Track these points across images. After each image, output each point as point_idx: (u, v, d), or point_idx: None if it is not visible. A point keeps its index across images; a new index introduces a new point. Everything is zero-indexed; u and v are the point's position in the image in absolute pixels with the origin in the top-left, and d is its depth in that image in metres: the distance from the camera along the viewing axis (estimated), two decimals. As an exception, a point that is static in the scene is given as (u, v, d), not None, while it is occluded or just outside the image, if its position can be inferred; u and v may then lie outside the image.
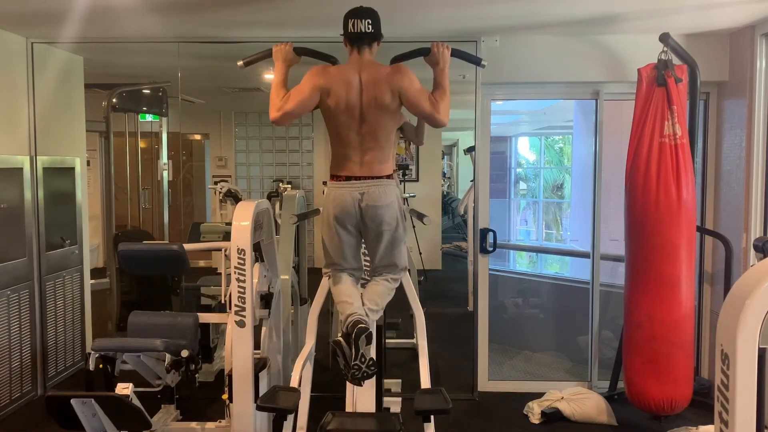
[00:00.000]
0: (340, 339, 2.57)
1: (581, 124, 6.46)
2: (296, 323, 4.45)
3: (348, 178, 2.72)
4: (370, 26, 2.70)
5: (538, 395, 4.18)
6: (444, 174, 10.79)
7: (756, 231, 3.93)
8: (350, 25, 2.71)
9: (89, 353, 3.19)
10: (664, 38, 3.67)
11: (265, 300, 3.39)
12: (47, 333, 4.42)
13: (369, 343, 2.55)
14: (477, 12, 3.70)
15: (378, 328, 3.07)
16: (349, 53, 2.77)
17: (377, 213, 2.70)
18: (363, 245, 2.94)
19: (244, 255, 2.98)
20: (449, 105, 2.74)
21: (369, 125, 2.69)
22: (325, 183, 3.38)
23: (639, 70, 3.76)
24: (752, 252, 3.47)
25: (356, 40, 2.72)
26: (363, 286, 2.96)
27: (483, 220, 4.42)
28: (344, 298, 2.73)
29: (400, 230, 2.81)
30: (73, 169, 4.73)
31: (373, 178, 2.71)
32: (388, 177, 2.76)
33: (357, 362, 2.52)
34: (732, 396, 1.64)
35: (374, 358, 2.61)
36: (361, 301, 2.74)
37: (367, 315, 2.68)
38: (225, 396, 3.18)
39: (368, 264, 2.97)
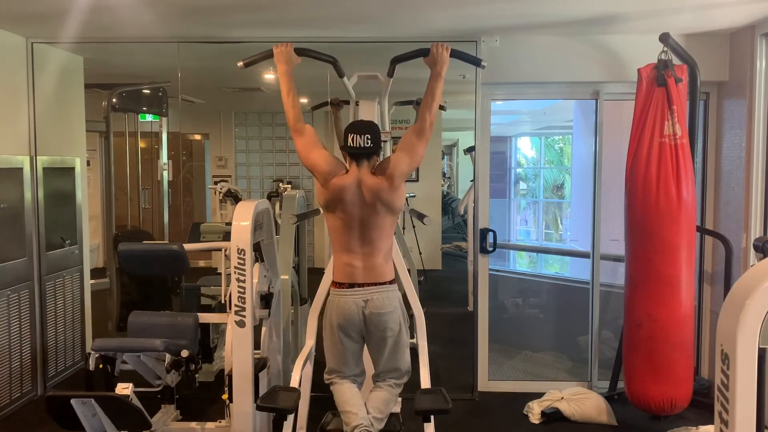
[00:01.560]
0: None
1: (581, 124, 6.46)
2: (296, 323, 4.45)
3: (351, 285, 2.74)
4: (369, 141, 2.71)
5: (538, 395, 4.18)
6: (444, 174, 10.79)
7: (756, 231, 3.93)
8: (350, 140, 2.72)
9: (89, 353, 3.19)
10: (664, 38, 3.67)
11: (265, 300, 3.39)
12: (47, 333, 4.42)
13: None
14: (477, 12, 3.70)
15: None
16: (348, 165, 2.77)
17: (382, 320, 2.72)
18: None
19: (244, 255, 2.98)
20: (436, 109, 2.76)
21: (370, 231, 2.72)
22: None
23: (639, 70, 3.76)
24: (752, 252, 3.47)
25: (355, 156, 2.74)
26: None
27: (483, 220, 4.42)
28: (349, 408, 2.72)
29: (403, 334, 2.82)
30: (73, 169, 4.73)
31: (376, 284, 2.74)
32: (391, 282, 2.79)
33: None
34: (732, 396, 1.64)
35: None
36: (365, 409, 2.74)
37: (372, 424, 2.69)
38: (225, 396, 3.18)
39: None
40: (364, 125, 2.77)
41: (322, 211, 2.85)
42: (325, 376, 2.89)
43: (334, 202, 2.72)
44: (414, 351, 3.20)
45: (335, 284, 2.79)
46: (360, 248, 2.74)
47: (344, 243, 2.75)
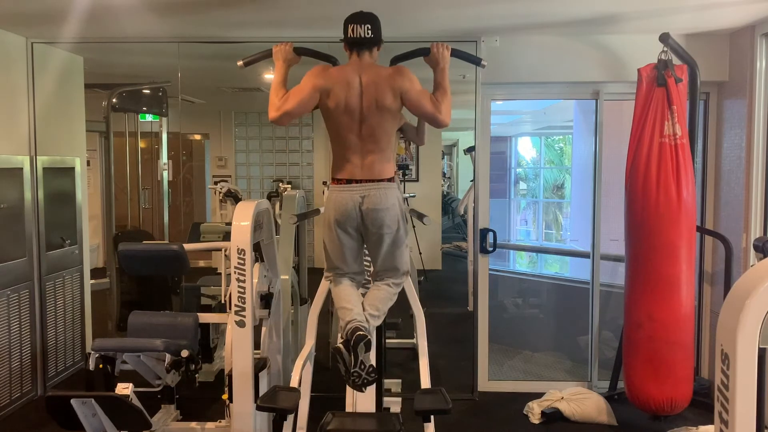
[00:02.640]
0: (340, 346, 2.57)
1: (581, 124, 6.47)
2: (296, 323, 4.45)
3: (349, 181, 2.72)
4: (369, 31, 2.69)
5: (538, 395, 4.18)
6: (444, 174, 10.80)
7: (756, 231, 3.93)
8: (350, 30, 2.70)
9: (89, 353, 3.19)
10: (664, 38, 3.67)
11: (265, 300, 3.39)
12: (47, 333, 4.42)
13: (368, 350, 2.55)
14: (477, 12, 3.70)
15: (378, 328, 3.07)
16: (348, 57, 2.76)
17: (378, 216, 2.70)
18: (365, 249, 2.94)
19: (244, 255, 2.98)
20: (451, 105, 2.74)
21: (369, 127, 2.68)
22: (325, 183, 3.39)
23: (639, 70, 3.76)
24: (752, 252, 3.46)
25: (356, 45, 2.71)
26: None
27: (483, 220, 4.42)
28: (344, 304, 2.72)
29: (402, 233, 2.80)
30: (73, 169, 4.73)
31: (374, 181, 2.71)
32: (389, 180, 2.75)
33: (357, 369, 2.52)
34: (732, 396, 1.64)
35: (374, 364, 2.60)
36: (361, 306, 2.73)
37: (367, 321, 2.67)
38: (225, 396, 3.18)
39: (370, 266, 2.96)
40: (363, 15, 2.73)
41: (323, 117, 2.77)
42: (325, 274, 2.89)
43: (338, 95, 2.63)
44: (414, 351, 3.20)
45: (334, 180, 2.76)
46: (359, 145, 2.70)
47: (344, 139, 2.71)
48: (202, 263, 5.93)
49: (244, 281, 2.99)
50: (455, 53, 2.86)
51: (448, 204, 10.16)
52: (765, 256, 3.02)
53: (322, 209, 2.85)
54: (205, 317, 3.61)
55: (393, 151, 2.83)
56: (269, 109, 2.73)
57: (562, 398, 4.06)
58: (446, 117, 2.72)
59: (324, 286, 3.22)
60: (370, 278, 2.98)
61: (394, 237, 2.76)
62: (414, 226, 6.77)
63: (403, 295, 3.13)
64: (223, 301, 3.54)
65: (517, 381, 4.67)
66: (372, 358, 2.75)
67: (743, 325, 1.62)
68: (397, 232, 2.76)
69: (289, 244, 4.31)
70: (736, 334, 1.62)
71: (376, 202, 2.69)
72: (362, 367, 2.52)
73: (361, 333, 2.54)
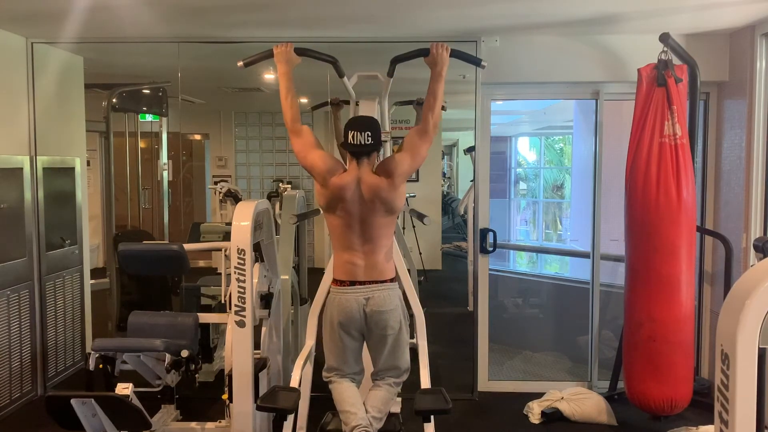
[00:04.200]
0: None
1: (581, 124, 6.46)
2: (296, 323, 4.45)
3: (352, 283, 2.73)
4: (369, 138, 2.69)
5: (538, 395, 4.18)
6: (444, 174, 10.79)
7: (756, 231, 3.93)
8: (350, 137, 2.71)
9: (89, 353, 3.19)
10: (664, 38, 3.67)
11: (265, 300, 3.39)
12: (47, 333, 4.42)
13: None
14: (477, 12, 3.70)
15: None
16: (348, 162, 2.77)
17: (382, 318, 2.72)
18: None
19: (244, 255, 2.98)
20: (439, 110, 2.75)
21: (370, 230, 2.71)
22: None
23: (639, 70, 3.76)
24: (752, 252, 3.46)
25: (356, 154, 2.72)
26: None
27: (483, 220, 4.42)
28: (348, 408, 2.71)
29: (404, 333, 2.81)
30: (73, 169, 4.73)
31: (377, 282, 2.73)
32: (392, 281, 2.78)
33: None
34: (732, 396, 1.64)
35: None
36: (364, 409, 2.73)
37: (371, 424, 2.68)
38: (225, 396, 3.18)
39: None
40: (364, 122, 2.76)
41: (322, 211, 2.84)
42: (324, 374, 2.88)
43: (334, 201, 2.71)
44: (414, 351, 3.20)
45: (336, 282, 2.78)
46: (360, 246, 2.73)
47: (345, 241, 2.75)
48: (202, 263, 5.92)
49: (244, 281, 2.99)
50: (455, 54, 2.86)
51: (448, 204, 10.15)
52: (765, 256, 3.02)
53: (325, 311, 2.85)
54: (205, 317, 3.61)
55: (392, 246, 2.86)
56: (283, 116, 2.81)
57: (562, 398, 4.05)
58: (435, 130, 2.75)
59: (324, 286, 3.22)
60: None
61: (396, 337, 2.77)
62: (414, 226, 6.76)
63: (402, 293, 3.13)
64: (223, 301, 3.54)
65: (517, 381, 4.67)
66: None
67: (743, 325, 1.62)
68: (399, 332, 2.78)
69: (289, 244, 4.31)
70: (736, 334, 1.62)
71: (380, 304, 2.71)
72: None
73: None
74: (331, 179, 2.70)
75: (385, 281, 2.75)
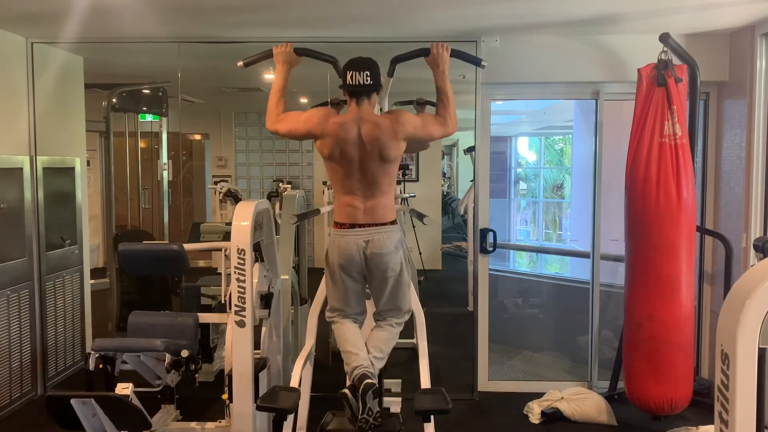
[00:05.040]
0: (347, 391, 2.59)
1: (581, 124, 6.46)
2: (296, 323, 4.45)
3: (352, 226, 2.73)
4: (368, 78, 2.69)
5: (538, 395, 4.18)
6: (444, 174, 10.79)
7: (756, 231, 3.93)
8: (348, 77, 2.70)
9: (89, 353, 3.19)
10: (664, 38, 3.67)
11: (265, 300, 3.39)
12: (47, 333, 4.42)
13: (376, 397, 2.57)
14: (477, 12, 3.70)
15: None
16: (347, 103, 2.77)
17: (382, 260, 2.72)
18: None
19: (244, 255, 2.98)
20: (455, 108, 2.76)
21: (371, 174, 2.71)
22: (325, 183, 3.39)
23: (639, 70, 3.76)
24: (752, 252, 3.46)
25: (355, 94, 2.72)
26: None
27: (483, 220, 4.42)
28: (349, 348, 2.73)
29: (405, 274, 2.82)
30: (73, 169, 4.73)
31: (376, 225, 2.73)
32: (392, 223, 2.78)
33: (365, 416, 2.54)
34: (732, 396, 1.64)
35: (380, 410, 2.62)
36: (366, 350, 2.74)
37: (372, 364, 2.69)
38: (225, 396, 3.18)
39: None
40: (363, 62, 2.73)
41: (323, 161, 2.80)
42: (327, 314, 2.90)
43: (335, 144, 2.67)
44: (414, 351, 3.20)
45: (336, 225, 2.78)
46: (360, 190, 2.72)
47: (345, 185, 2.74)
48: (202, 263, 5.92)
49: (244, 281, 2.99)
50: (455, 54, 2.86)
51: (448, 204, 10.15)
52: (765, 256, 3.02)
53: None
54: (205, 317, 3.61)
55: (394, 192, 2.85)
56: (266, 116, 2.79)
57: (562, 398, 4.06)
58: (454, 126, 2.78)
59: (324, 286, 3.21)
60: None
61: (397, 278, 2.78)
62: (414, 226, 6.76)
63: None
64: (223, 301, 3.53)
65: (517, 381, 4.66)
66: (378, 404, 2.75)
67: (743, 325, 1.62)
68: (400, 274, 2.79)
69: (289, 244, 4.30)
70: (736, 334, 1.62)
71: (380, 246, 2.71)
72: (370, 413, 2.55)
73: (370, 381, 2.57)
74: (331, 119, 2.70)
75: (385, 224, 2.74)
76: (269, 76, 5.33)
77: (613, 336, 4.54)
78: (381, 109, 3.46)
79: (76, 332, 4.77)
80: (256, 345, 3.23)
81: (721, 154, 4.32)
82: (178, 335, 3.39)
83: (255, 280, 3.25)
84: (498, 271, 5.32)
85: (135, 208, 6.15)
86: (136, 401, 2.86)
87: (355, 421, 2.57)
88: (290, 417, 2.83)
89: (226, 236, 3.87)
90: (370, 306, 2.98)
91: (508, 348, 5.24)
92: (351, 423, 2.61)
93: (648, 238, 3.68)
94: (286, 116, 2.77)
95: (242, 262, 2.98)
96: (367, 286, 2.90)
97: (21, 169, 4.24)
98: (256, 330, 3.23)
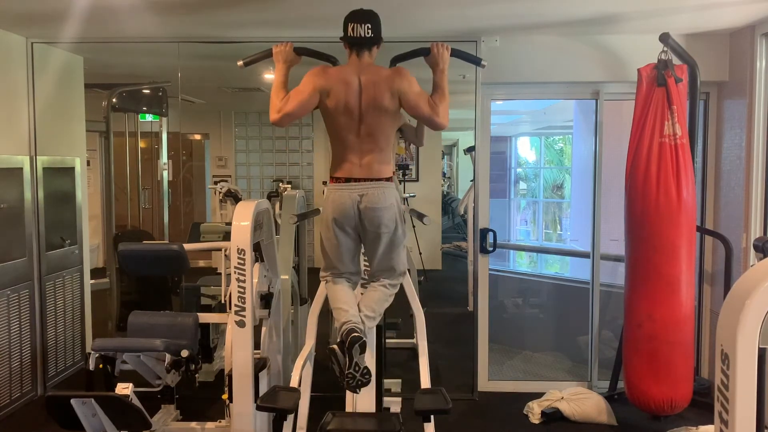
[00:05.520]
0: (335, 347, 2.57)
1: (581, 124, 6.46)
2: (296, 323, 4.45)
3: (347, 180, 2.72)
4: (369, 31, 2.69)
5: (538, 395, 4.18)
6: (444, 174, 10.80)
7: (756, 231, 3.93)
8: (350, 29, 2.70)
9: (89, 353, 3.19)
10: (664, 38, 3.67)
11: (265, 300, 3.39)
12: (47, 333, 4.42)
13: (363, 351, 2.54)
14: (477, 12, 3.70)
15: (378, 328, 3.07)
16: (348, 56, 2.76)
17: (376, 215, 2.70)
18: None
19: (244, 255, 2.98)
20: (448, 107, 2.74)
21: (368, 127, 2.69)
22: (325, 183, 3.39)
23: (639, 70, 3.76)
24: (752, 252, 3.46)
25: (355, 45, 2.71)
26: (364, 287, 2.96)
27: (483, 220, 4.42)
28: (340, 305, 2.72)
29: (399, 233, 2.79)
30: (73, 169, 4.73)
31: (372, 180, 2.71)
32: (388, 179, 2.76)
33: (351, 371, 2.52)
34: (732, 396, 1.64)
35: (369, 366, 2.60)
36: (357, 308, 2.73)
37: (363, 322, 2.67)
38: (225, 396, 3.18)
39: (368, 267, 2.96)
40: (364, 13, 2.73)
41: (323, 119, 2.78)
42: (321, 274, 2.89)
43: (338, 96, 2.65)
44: (414, 351, 3.20)
45: (332, 179, 2.76)
46: (358, 145, 2.71)
47: (342, 139, 2.72)
48: (202, 263, 5.93)
49: (244, 281, 2.99)
50: (455, 53, 2.86)
51: (448, 204, 10.16)
52: (765, 256, 3.02)
53: (322, 209, 2.86)
54: (205, 317, 3.61)
55: (392, 152, 2.83)
56: (270, 111, 2.75)
57: (562, 398, 4.06)
58: (443, 119, 2.73)
59: (324, 286, 3.21)
60: (367, 278, 2.97)
61: (391, 236, 2.76)
62: (414, 226, 6.77)
63: (403, 295, 3.14)
64: (223, 301, 3.54)
65: (517, 381, 4.66)
66: (371, 360, 2.74)
67: (743, 325, 1.62)
68: (394, 232, 2.76)
69: (289, 244, 4.30)
70: (736, 334, 1.62)
71: (374, 201, 2.69)
72: (356, 368, 2.52)
73: (356, 335, 2.54)
74: (330, 70, 2.70)
75: (380, 179, 2.72)
76: (269, 76, 5.33)
77: (613, 336, 4.54)
78: None
79: (76, 332, 4.77)
80: (256, 345, 3.24)
81: (721, 154, 4.32)
82: (178, 335, 3.39)
83: (255, 280, 3.25)
84: (498, 271, 5.32)
85: (135, 208, 6.16)
86: (136, 401, 2.86)
87: (342, 377, 2.55)
88: (290, 417, 2.82)
89: (226, 236, 3.87)
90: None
91: (508, 348, 5.24)
92: (339, 380, 2.58)
93: (648, 238, 3.68)
94: (288, 96, 2.73)
95: (242, 262, 2.98)
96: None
97: (21, 169, 4.24)
98: (256, 330, 3.23)
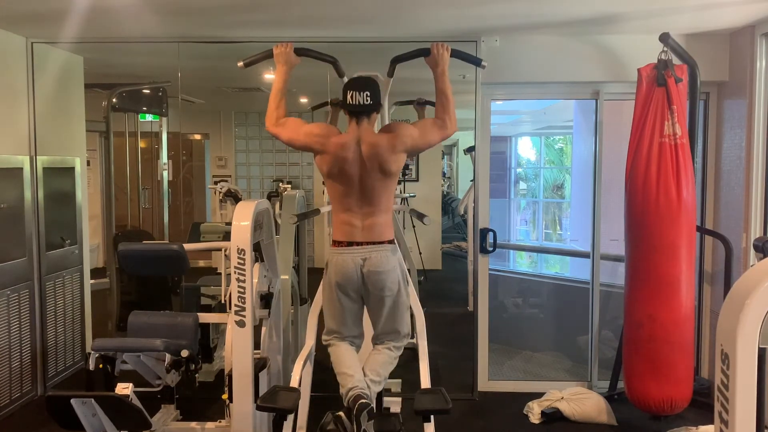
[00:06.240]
0: (341, 414, 2.56)
1: (581, 124, 6.46)
2: (296, 323, 4.45)
3: (349, 244, 2.73)
4: (368, 98, 2.69)
5: (538, 395, 4.18)
6: (444, 174, 10.79)
7: (756, 231, 3.93)
8: (349, 96, 2.70)
9: (89, 353, 3.19)
10: (664, 38, 3.67)
11: (265, 300, 3.39)
12: (47, 333, 4.42)
13: (371, 418, 2.52)
14: (477, 12, 3.70)
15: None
16: (347, 122, 2.76)
17: (379, 278, 2.71)
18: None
19: (244, 255, 2.98)
20: (455, 108, 2.76)
21: (370, 191, 2.71)
22: (324, 183, 3.37)
23: (639, 70, 3.76)
24: (752, 252, 3.46)
25: (355, 113, 2.72)
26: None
27: (483, 220, 4.42)
28: (345, 370, 2.70)
29: (403, 295, 2.80)
30: (73, 169, 4.73)
31: (374, 243, 2.72)
32: (390, 242, 2.77)
33: None
34: (732, 396, 1.64)
35: None
36: (362, 372, 2.71)
37: (368, 387, 2.66)
38: (225, 396, 3.18)
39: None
40: (363, 81, 2.74)
41: (323, 178, 2.81)
42: (324, 337, 2.87)
43: (335, 163, 2.68)
44: (414, 351, 3.20)
45: (334, 243, 2.77)
46: (359, 208, 2.72)
47: (344, 203, 2.74)
48: (202, 263, 5.93)
49: (244, 281, 2.99)
50: (455, 54, 2.86)
51: (448, 204, 10.15)
52: (765, 256, 3.02)
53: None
54: (205, 317, 3.61)
55: (392, 210, 2.85)
56: (266, 117, 2.79)
57: (562, 398, 4.06)
58: (453, 127, 2.77)
59: (320, 297, 3.21)
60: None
61: (395, 299, 2.76)
62: (414, 226, 6.76)
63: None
64: (223, 301, 3.53)
65: (517, 381, 4.67)
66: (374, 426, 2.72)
67: (743, 325, 1.62)
68: (398, 294, 2.77)
69: (289, 244, 4.30)
70: (736, 334, 1.62)
71: (377, 265, 2.70)
72: None
73: (364, 401, 2.52)
74: (332, 139, 2.70)
75: (383, 242, 2.73)
76: (269, 76, 5.33)
77: (613, 336, 4.54)
78: (383, 113, 3.47)
79: (76, 332, 4.77)
80: (256, 345, 3.24)
81: (721, 154, 4.32)
82: (178, 335, 3.39)
83: (255, 280, 3.25)
84: (498, 271, 5.32)
85: (135, 208, 6.16)
86: (136, 401, 2.86)
87: None
88: (290, 417, 2.82)
89: (226, 236, 3.87)
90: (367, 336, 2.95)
91: (508, 348, 5.24)
92: None
93: (648, 238, 3.67)
94: (287, 122, 2.77)
95: (242, 262, 2.98)
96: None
97: (21, 169, 4.24)
98: (256, 330, 3.23)
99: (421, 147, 2.76)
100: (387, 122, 3.53)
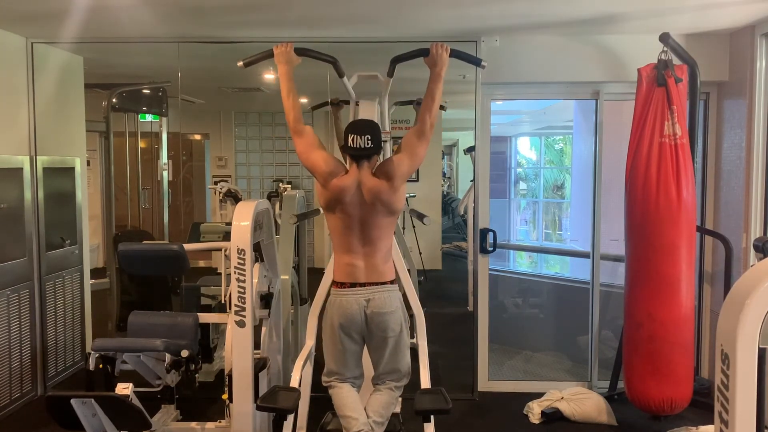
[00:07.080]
0: None
1: (581, 124, 6.46)
2: (296, 323, 4.45)
3: (352, 285, 2.73)
4: (369, 142, 2.69)
5: (538, 395, 4.18)
6: (444, 174, 10.79)
7: (756, 231, 3.93)
8: (350, 140, 2.70)
9: (89, 353, 3.19)
10: (664, 38, 3.67)
11: (265, 300, 3.39)
12: (47, 333, 4.42)
13: None
14: (477, 12, 3.70)
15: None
16: (348, 164, 2.77)
17: (383, 319, 2.71)
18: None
19: (244, 255, 2.99)
20: (436, 110, 2.75)
21: (371, 231, 2.72)
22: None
23: (639, 70, 3.76)
24: (752, 252, 3.46)
25: (356, 157, 2.72)
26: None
27: (483, 220, 4.42)
28: (349, 413, 2.70)
29: (404, 336, 2.80)
30: (73, 169, 4.73)
31: (377, 284, 2.73)
32: (392, 282, 2.78)
33: None
34: (732, 396, 1.64)
35: None
36: (365, 414, 2.72)
37: (372, 429, 2.67)
38: (225, 396, 3.18)
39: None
40: (364, 125, 2.75)
41: (322, 211, 2.85)
42: (324, 379, 2.86)
43: (334, 202, 2.71)
44: (414, 351, 3.20)
45: (336, 284, 2.78)
46: (361, 248, 2.73)
47: (345, 243, 2.75)
48: (202, 263, 5.93)
49: (244, 281, 3.00)
50: (455, 54, 2.86)
51: (448, 204, 10.15)
52: (765, 256, 3.02)
53: (326, 314, 2.85)
54: (205, 317, 3.61)
55: (391, 251, 2.85)
56: (285, 116, 2.82)
57: (562, 398, 4.06)
58: (431, 129, 2.75)
59: (324, 286, 3.21)
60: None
61: (397, 339, 2.76)
62: (414, 226, 6.76)
63: (402, 295, 3.13)
64: (223, 301, 3.54)
65: (517, 381, 4.66)
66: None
67: (743, 325, 1.62)
68: (400, 335, 2.77)
69: (289, 244, 4.31)
70: (736, 334, 1.62)
71: (381, 306, 2.70)
72: None
73: None
74: (332, 181, 2.71)
75: (385, 283, 2.75)
76: (269, 76, 5.34)
77: (613, 336, 4.54)
78: (382, 113, 3.47)
79: (76, 332, 4.77)
80: (256, 345, 3.24)
81: (721, 154, 4.32)
82: (178, 335, 3.39)
83: (255, 280, 3.25)
84: (498, 271, 5.32)
85: (135, 208, 6.16)
86: (136, 401, 2.86)
87: None
88: (290, 417, 2.82)
89: (226, 236, 3.87)
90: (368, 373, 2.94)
91: (508, 348, 5.24)
92: None
93: (648, 238, 3.68)
94: (304, 133, 2.78)
95: (242, 262, 2.98)
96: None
97: (21, 169, 4.24)
98: (256, 330, 3.23)
99: (415, 166, 2.76)
100: (387, 123, 3.53)
